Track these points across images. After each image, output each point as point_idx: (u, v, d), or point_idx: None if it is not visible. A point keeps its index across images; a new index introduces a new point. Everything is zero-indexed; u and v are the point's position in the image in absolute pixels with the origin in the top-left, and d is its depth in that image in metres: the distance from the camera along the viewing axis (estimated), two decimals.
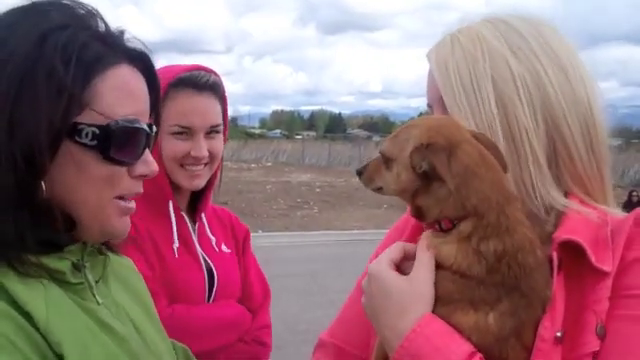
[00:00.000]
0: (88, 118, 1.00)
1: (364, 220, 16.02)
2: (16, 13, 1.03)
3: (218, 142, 1.93)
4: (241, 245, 2.16)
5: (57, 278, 1.01)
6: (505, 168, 1.12)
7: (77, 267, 1.06)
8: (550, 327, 1.04)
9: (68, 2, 1.06)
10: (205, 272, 1.92)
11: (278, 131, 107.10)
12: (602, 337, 1.04)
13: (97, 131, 1.00)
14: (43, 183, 0.98)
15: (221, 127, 1.95)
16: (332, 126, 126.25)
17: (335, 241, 13.38)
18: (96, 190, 1.03)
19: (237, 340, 1.98)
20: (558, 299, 1.07)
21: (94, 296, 1.08)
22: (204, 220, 2.02)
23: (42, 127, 0.95)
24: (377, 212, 17.27)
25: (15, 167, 0.95)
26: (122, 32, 1.09)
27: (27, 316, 0.92)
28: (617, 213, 1.19)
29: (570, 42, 1.21)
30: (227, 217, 2.17)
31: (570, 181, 1.18)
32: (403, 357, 1.04)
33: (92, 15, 1.07)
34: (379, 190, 1.19)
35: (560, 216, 1.16)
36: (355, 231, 14.60)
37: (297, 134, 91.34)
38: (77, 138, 0.99)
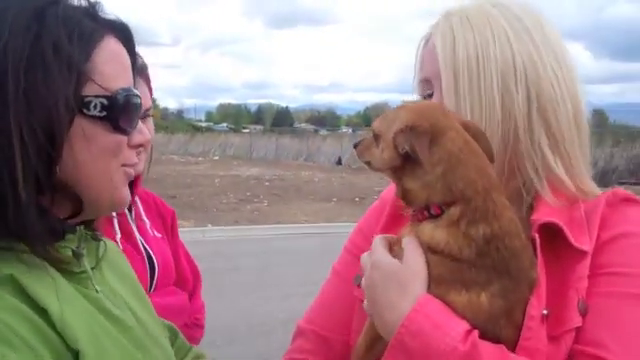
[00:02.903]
0: (92, 90, 1.00)
1: (314, 214, 16.05)
2: None
3: (150, 125, 1.94)
4: (169, 228, 2.17)
5: (62, 268, 1.00)
6: (492, 157, 1.16)
7: (77, 255, 1.06)
8: (537, 306, 1.09)
9: None
10: (146, 260, 1.94)
11: (225, 124, 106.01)
12: (583, 313, 1.10)
13: (105, 102, 1.01)
14: (57, 166, 0.97)
15: (152, 110, 1.96)
16: (279, 120, 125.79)
17: (285, 234, 13.37)
18: (104, 161, 1.04)
19: (181, 326, 2.00)
20: (541, 279, 1.12)
21: (92, 284, 1.08)
22: (139, 204, 2.03)
23: (59, 102, 0.95)
24: (327, 205, 17.35)
25: (38, 145, 0.93)
26: (100, 5, 1.09)
27: (41, 312, 0.91)
28: (594, 188, 1.25)
29: (558, 32, 1.27)
30: (152, 200, 2.18)
31: (553, 159, 1.22)
32: (404, 336, 1.07)
33: None
34: (368, 164, 1.23)
35: (536, 198, 1.21)
36: (305, 224, 14.60)
37: (244, 127, 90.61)
38: (86, 111, 1.00)
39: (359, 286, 1.27)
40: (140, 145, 1.11)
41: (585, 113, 1.25)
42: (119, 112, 1.03)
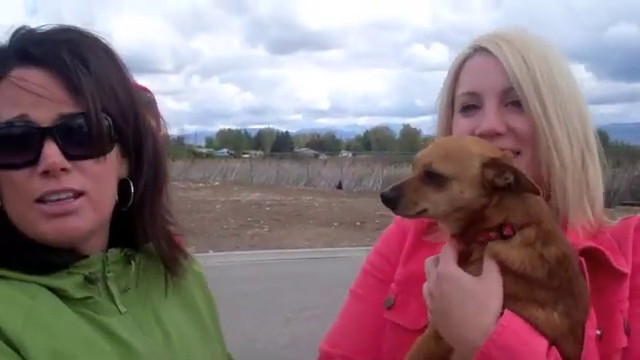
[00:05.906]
0: None
1: (314, 238, 16.02)
2: None
3: None
4: None
5: (60, 295, 1.04)
6: None
7: (91, 280, 1.09)
8: (591, 326, 1.14)
9: None
10: None
11: (225, 150, 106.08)
12: (627, 333, 1.16)
13: None
14: None
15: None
16: (279, 144, 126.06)
17: (286, 259, 13.33)
18: (11, 197, 1.06)
19: None
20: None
21: (116, 305, 1.11)
22: None
23: None
24: (327, 230, 17.31)
25: None
26: (26, 32, 1.11)
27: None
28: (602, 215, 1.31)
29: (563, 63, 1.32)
30: None
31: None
32: (491, 350, 1.10)
33: None
34: (422, 213, 1.17)
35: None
36: (306, 249, 14.57)
37: (244, 153, 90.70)
38: None
39: (389, 309, 1.34)
40: (45, 171, 1.04)
41: (593, 142, 1.30)
42: None
